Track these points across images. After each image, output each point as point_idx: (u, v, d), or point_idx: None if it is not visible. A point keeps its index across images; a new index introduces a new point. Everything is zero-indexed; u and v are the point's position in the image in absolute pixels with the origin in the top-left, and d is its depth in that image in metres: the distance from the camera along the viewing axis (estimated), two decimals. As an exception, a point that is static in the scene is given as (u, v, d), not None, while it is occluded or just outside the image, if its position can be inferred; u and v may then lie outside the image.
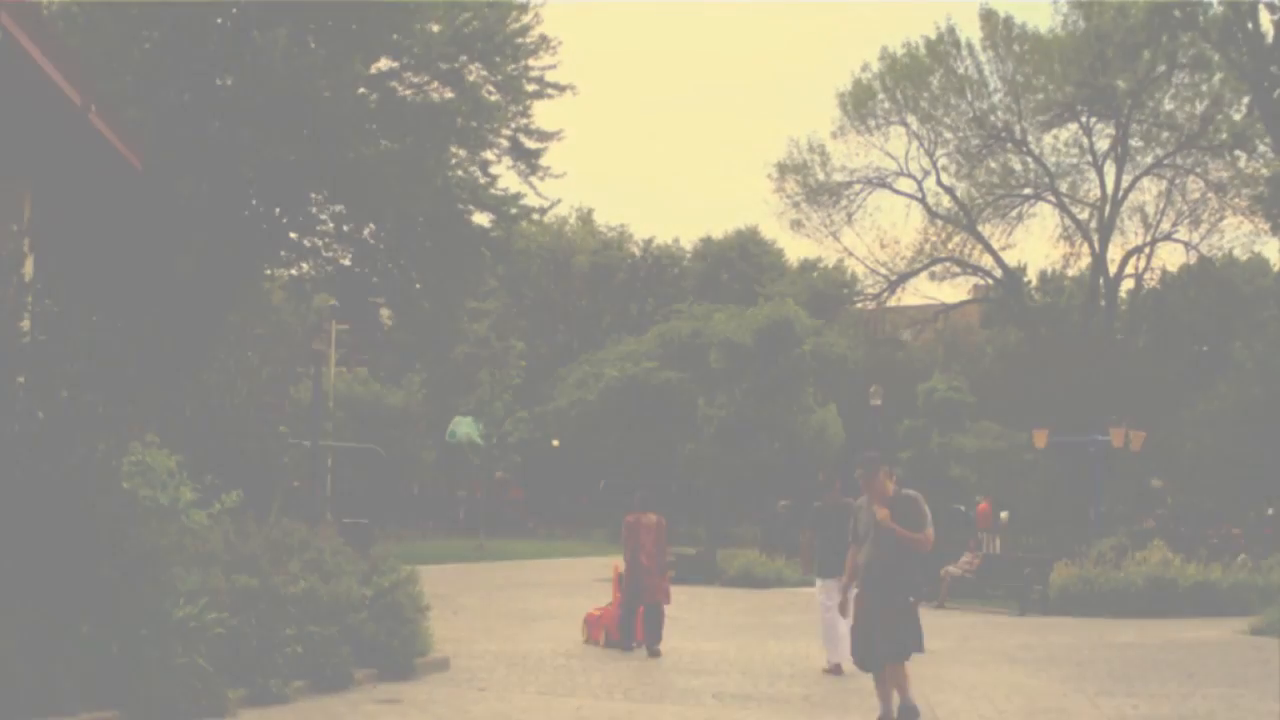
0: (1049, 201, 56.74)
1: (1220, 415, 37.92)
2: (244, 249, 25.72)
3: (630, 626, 15.54)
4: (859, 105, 56.11)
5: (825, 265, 63.33)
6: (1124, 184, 53.80)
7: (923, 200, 57.39)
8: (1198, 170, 53.47)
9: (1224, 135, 49.69)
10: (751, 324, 41.30)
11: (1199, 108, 51.37)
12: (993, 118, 54.99)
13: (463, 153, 26.45)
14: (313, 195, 26.23)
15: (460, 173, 26.36)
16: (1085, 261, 56.46)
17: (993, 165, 56.57)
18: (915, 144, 56.55)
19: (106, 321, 10.70)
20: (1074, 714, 11.09)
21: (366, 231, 27.35)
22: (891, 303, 60.59)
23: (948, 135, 55.94)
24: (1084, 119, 54.16)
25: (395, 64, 25.19)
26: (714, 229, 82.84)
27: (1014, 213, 57.20)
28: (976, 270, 58.33)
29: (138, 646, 9.28)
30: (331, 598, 11.67)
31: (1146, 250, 56.47)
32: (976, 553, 23.36)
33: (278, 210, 26.26)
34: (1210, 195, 53.65)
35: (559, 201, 29.92)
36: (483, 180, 26.61)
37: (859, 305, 60.88)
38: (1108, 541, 25.04)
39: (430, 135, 24.73)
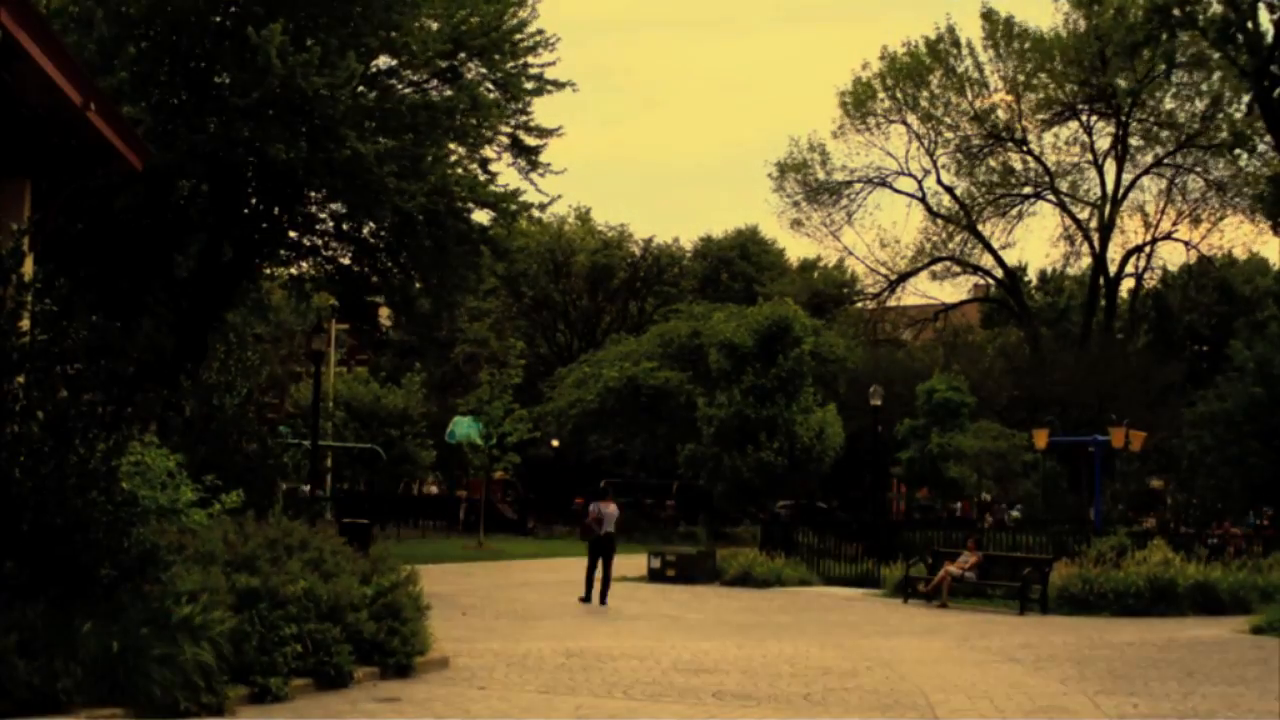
0: (1049, 200, 56.76)
1: (1221, 415, 37.86)
2: (244, 249, 25.73)
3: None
4: (859, 104, 56.10)
5: (825, 265, 63.40)
6: (1124, 183, 53.83)
7: (923, 199, 57.43)
8: (1198, 169, 53.48)
9: (1224, 134, 49.69)
10: (751, 324, 41.29)
11: (1199, 107, 51.41)
12: (993, 117, 54.99)
13: (461, 150, 26.48)
14: (312, 194, 26.23)
15: (459, 170, 26.38)
16: (1085, 261, 56.51)
17: (993, 164, 56.61)
18: (915, 143, 56.62)
19: (106, 321, 10.68)
20: (1074, 713, 11.08)
21: (366, 230, 27.35)
22: (891, 302, 60.61)
23: (948, 134, 55.97)
24: (1084, 118, 54.18)
25: (393, 61, 25.21)
26: (714, 229, 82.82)
27: (1014, 211, 57.27)
28: (976, 270, 58.33)
29: (138, 645, 9.27)
30: (331, 597, 11.67)
31: (1147, 249, 56.55)
32: (976, 551, 23.32)
33: (277, 209, 26.27)
34: (1211, 194, 53.70)
35: (558, 198, 30.11)
36: (482, 177, 26.64)
37: (859, 305, 60.88)
38: (1108, 541, 25.01)
39: (429, 132, 24.75)
